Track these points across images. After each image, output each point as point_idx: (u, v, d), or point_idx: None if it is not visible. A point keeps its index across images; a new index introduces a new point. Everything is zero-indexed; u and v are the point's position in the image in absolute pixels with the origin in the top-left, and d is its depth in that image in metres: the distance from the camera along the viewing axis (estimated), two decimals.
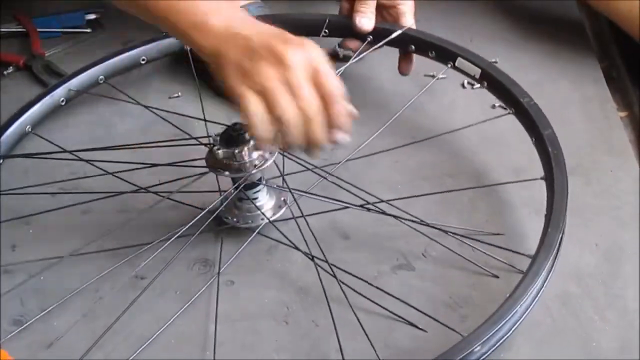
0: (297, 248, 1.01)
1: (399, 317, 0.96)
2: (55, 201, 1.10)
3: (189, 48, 1.23)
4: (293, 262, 1.04)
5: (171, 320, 0.97)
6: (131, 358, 0.93)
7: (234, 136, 0.98)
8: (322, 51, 0.89)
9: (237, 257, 1.04)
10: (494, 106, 1.24)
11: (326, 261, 0.98)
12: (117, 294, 1.00)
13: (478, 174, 1.14)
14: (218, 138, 0.99)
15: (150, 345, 0.95)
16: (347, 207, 1.05)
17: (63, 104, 1.21)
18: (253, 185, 1.03)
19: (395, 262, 1.04)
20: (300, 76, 0.87)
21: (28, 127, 1.17)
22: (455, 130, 1.17)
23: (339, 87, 0.89)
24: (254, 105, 0.87)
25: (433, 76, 1.28)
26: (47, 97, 1.19)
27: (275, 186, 1.07)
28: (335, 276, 0.97)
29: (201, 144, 1.08)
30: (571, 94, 1.27)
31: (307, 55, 0.88)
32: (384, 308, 0.96)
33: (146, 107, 1.21)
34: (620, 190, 1.12)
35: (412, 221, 1.04)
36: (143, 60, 1.25)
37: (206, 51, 0.91)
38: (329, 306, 0.95)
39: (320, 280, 0.97)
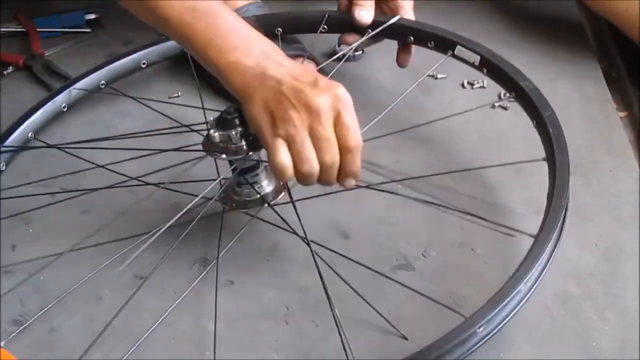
0: (294, 232, 1.00)
1: (391, 324, 0.96)
2: (55, 201, 1.10)
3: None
4: (293, 262, 1.04)
5: (165, 316, 0.97)
6: (130, 358, 0.93)
7: (229, 119, 0.97)
8: (347, 94, 0.91)
9: (237, 257, 1.04)
10: (493, 106, 1.24)
11: (327, 247, 0.98)
12: (117, 294, 1.00)
13: (478, 173, 1.14)
14: (214, 122, 0.98)
15: (150, 345, 0.95)
16: (354, 188, 1.02)
17: (65, 109, 1.21)
18: (251, 168, 1.03)
19: (395, 262, 1.04)
20: (326, 127, 0.89)
21: (30, 133, 1.17)
22: (447, 117, 1.17)
23: (359, 138, 0.91)
24: (282, 157, 0.90)
25: (432, 76, 1.28)
26: (49, 104, 1.20)
27: None
28: (333, 270, 0.97)
29: (194, 130, 1.08)
30: (571, 94, 1.27)
31: (333, 101, 0.89)
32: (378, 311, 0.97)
33: (133, 97, 1.21)
34: (620, 190, 1.12)
35: (419, 200, 1.03)
36: (144, 64, 1.25)
37: (237, 89, 0.92)
38: (329, 299, 0.94)
39: (317, 267, 0.96)
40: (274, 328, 0.98)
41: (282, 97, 0.89)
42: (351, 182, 0.93)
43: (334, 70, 1.21)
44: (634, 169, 1.15)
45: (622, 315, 0.97)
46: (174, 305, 0.98)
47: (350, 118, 0.90)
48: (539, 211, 1.00)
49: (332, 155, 0.90)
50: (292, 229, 1.01)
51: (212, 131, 0.97)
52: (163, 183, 1.06)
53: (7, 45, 1.39)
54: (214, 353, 0.93)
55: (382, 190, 1.04)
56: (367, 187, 1.04)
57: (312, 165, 0.90)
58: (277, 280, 1.03)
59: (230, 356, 0.94)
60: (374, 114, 1.18)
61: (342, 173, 0.92)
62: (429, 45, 1.20)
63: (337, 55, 1.23)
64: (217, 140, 0.97)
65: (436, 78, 1.29)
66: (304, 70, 0.92)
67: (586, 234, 1.06)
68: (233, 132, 0.96)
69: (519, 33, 1.39)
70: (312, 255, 0.97)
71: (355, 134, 0.90)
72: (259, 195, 1.03)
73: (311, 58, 1.28)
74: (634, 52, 1.32)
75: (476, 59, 1.16)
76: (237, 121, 0.97)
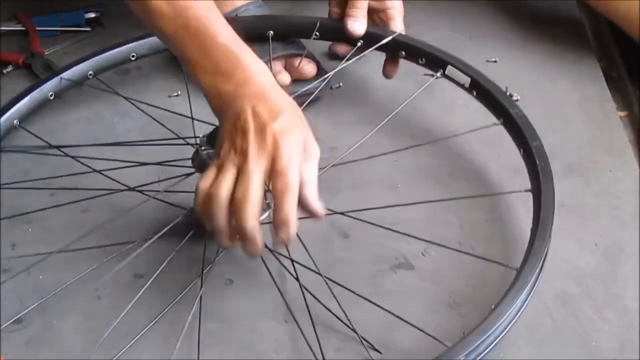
0: (271, 251, 1.00)
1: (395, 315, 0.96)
2: (54, 200, 1.10)
3: None
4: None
5: (162, 315, 0.97)
6: (130, 357, 0.93)
7: None
8: (296, 145, 0.88)
9: (237, 256, 1.04)
10: None
11: (318, 272, 0.98)
12: (117, 292, 1.00)
13: (478, 175, 1.14)
14: (205, 139, 0.98)
15: (149, 344, 0.95)
16: (331, 214, 1.03)
17: (52, 98, 1.19)
18: None
19: (395, 261, 1.04)
20: (252, 168, 0.86)
21: (15, 121, 1.16)
22: (454, 135, 1.17)
23: (289, 183, 0.87)
24: (203, 181, 0.89)
25: (432, 75, 1.28)
26: (36, 92, 1.18)
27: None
28: (305, 287, 0.96)
29: (188, 144, 1.08)
30: (571, 94, 1.27)
31: (273, 152, 0.87)
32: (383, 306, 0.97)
33: (124, 96, 1.21)
34: (619, 190, 1.12)
35: (403, 234, 1.03)
36: (133, 56, 1.24)
37: (214, 112, 0.94)
38: (309, 314, 0.94)
39: (301, 285, 0.97)
40: (274, 328, 0.98)
41: (233, 131, 0.89)
42: (283, 234, 0.88)
43: (334, 71, 1.21)
44: (634, 169, 1.15)
45: (622, 315, 0.97)
46: (171, 305, 0.98)
47: (285, 165, 0.87)
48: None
49: (244, 190, 0.87)
50: (274, 251, 1.00)
51: (202, 149, 0.97)
52: (159, 191, 1.06)
53: (7, 44, 1.39)
54: (198, 354, 0.93)
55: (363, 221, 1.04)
56: (342, 214, 1.03)
57: (222, 191, 0.87)
58: (277, 280, 1.02)
59: (230, 356, 0.94)
60: (373, 113, 1.18)
61: (274, 219, 0.88)
62: (419, 62, 1.20)
63: (347, 62, 1.22)
64: (206, 157, 0.97)
65: (437, 77, 1.29)
66: (273, 104, 0.89)
67: (586, 234, 1.06)
68: None
69: (522, 32, 1.39)
70: (296, 276, 0.97)
71: (284, 179, 0.86)
72: None
73: (310, 57, 1.28)
74: (633, 51, 1.32)
75: (466, 80, 1.15)
76: None
